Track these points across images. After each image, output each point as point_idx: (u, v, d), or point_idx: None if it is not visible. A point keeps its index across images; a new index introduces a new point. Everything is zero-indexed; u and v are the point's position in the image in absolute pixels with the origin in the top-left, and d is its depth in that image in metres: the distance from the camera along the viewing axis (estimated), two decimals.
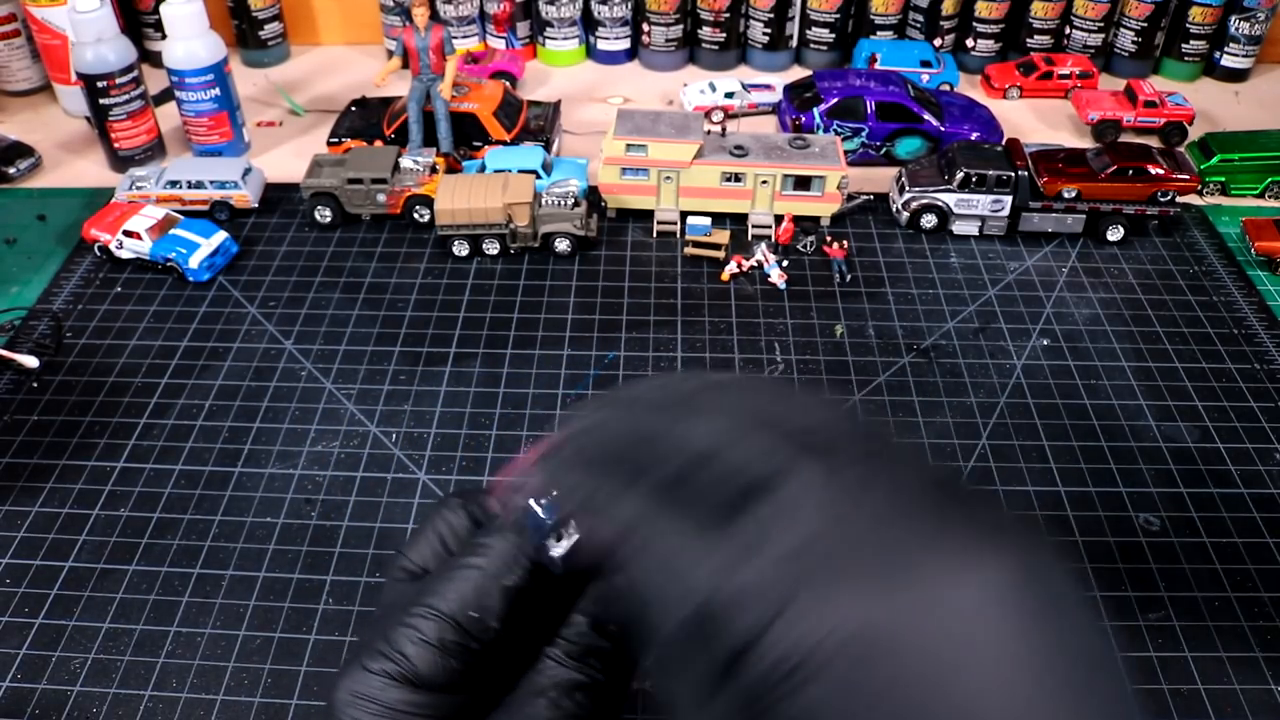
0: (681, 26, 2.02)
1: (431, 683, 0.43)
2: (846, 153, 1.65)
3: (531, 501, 0.44)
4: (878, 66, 1.90)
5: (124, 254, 1.48)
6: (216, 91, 1.67)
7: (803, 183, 1.54)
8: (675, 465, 0.38)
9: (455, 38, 1.98)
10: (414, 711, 0.42)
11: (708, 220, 1.55)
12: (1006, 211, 1.54)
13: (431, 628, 0.43)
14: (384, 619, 0.44)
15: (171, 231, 1.48)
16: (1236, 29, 1.98)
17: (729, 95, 1.88)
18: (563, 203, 1.49)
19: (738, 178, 1.55)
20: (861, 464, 0.35)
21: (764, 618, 0.32)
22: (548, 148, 1.68)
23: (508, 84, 1.79)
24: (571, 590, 0.46)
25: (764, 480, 0.35)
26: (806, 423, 0.38)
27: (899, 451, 0.38)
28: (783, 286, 1.46)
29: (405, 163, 1.57)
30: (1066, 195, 1.53)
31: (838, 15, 1.99)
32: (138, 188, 1.59)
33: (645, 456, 0.39)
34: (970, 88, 1.98)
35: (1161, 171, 1.52)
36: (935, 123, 1.72)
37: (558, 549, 0.44)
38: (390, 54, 2.03)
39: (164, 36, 1.67)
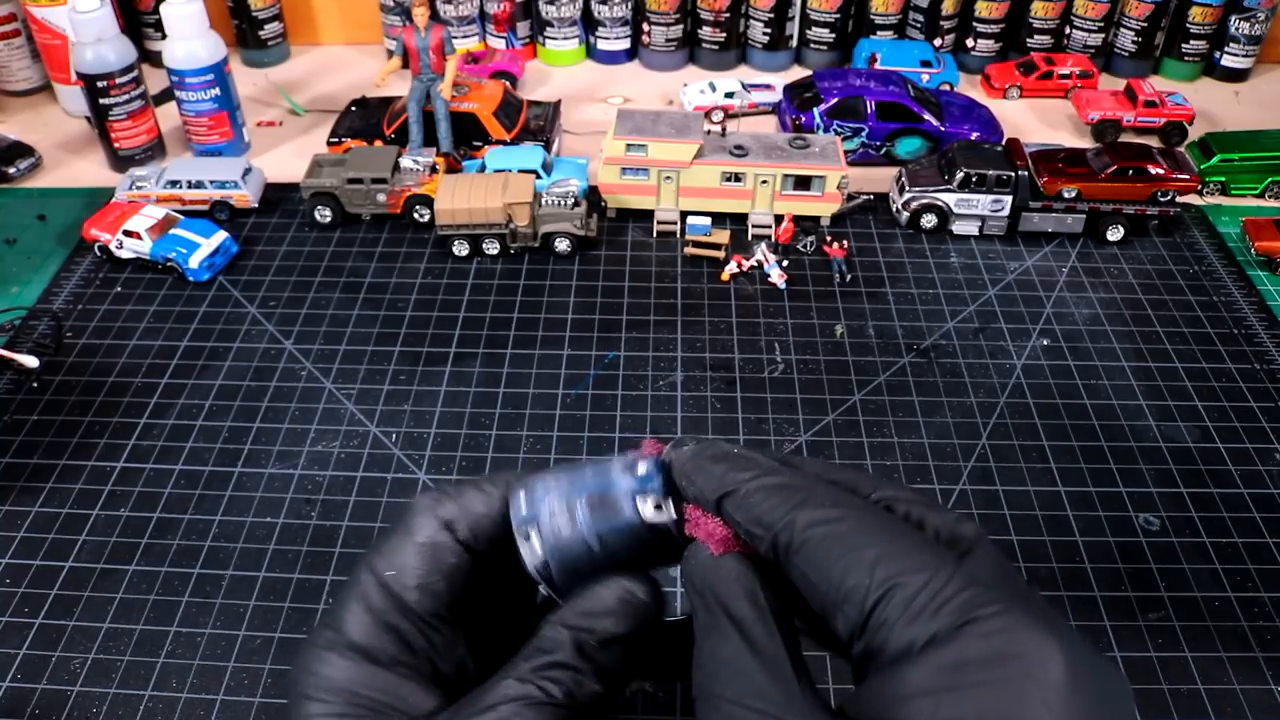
0: (681, 26, 2.02)
1: (372, 652, 0.43)
2: (846, 153, 1.65)
3: (647, 460, 0.45)
4: (878, 66, 1.90)
5: (124, 254, 1.48)
6: (216, 91, 1.67)
7: (803, 183, 1.54)
8: (875, 500, 0.43)
9: (455, 38, 1.98)
10: (362, 689, 0.42)
11: (708, 220, 1.55)
12: (1006, 211, 1.54)
13: (359, 591, 0.44)
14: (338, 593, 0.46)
15: (171, 231, 1.48)
16: (1236, 29, 1.98)
17: (729, 95, 1.88)
18: (563, 203, 1.49)
19: (738, 178, 1.55)
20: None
21: (946, 624, 0.35)
22: (548, 148, 1.68)
23: (508, 84, 1.79)
24: (529, 589, 0.46)
25: (963, 537, 0.41)
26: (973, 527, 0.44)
27: None
28: (783, 286, 1.46)
29: (405, 163, 1.57)
30: (1066, 195, 1.53)
31: (838, 15, 1.99)
32: (138, 188, 1.59)
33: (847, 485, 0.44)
34: (970, 88, 1.98)
35: (1161, 171, 1.52)
36: (935, 123, 1.72)
37: (650, 514, 0.44)
38: (390, 54, 2.03)
39: (164, 36, 1.67)
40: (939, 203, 1.55)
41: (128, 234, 1.46)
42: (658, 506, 0.45)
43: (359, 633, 0.43)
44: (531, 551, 0.45)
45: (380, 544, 0.46)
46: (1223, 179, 1.68)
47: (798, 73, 2.03)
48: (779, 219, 1.56)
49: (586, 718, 0.43)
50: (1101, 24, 1.99)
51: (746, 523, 0.40)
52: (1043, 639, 0.34)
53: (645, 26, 2.03)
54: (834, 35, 2.02)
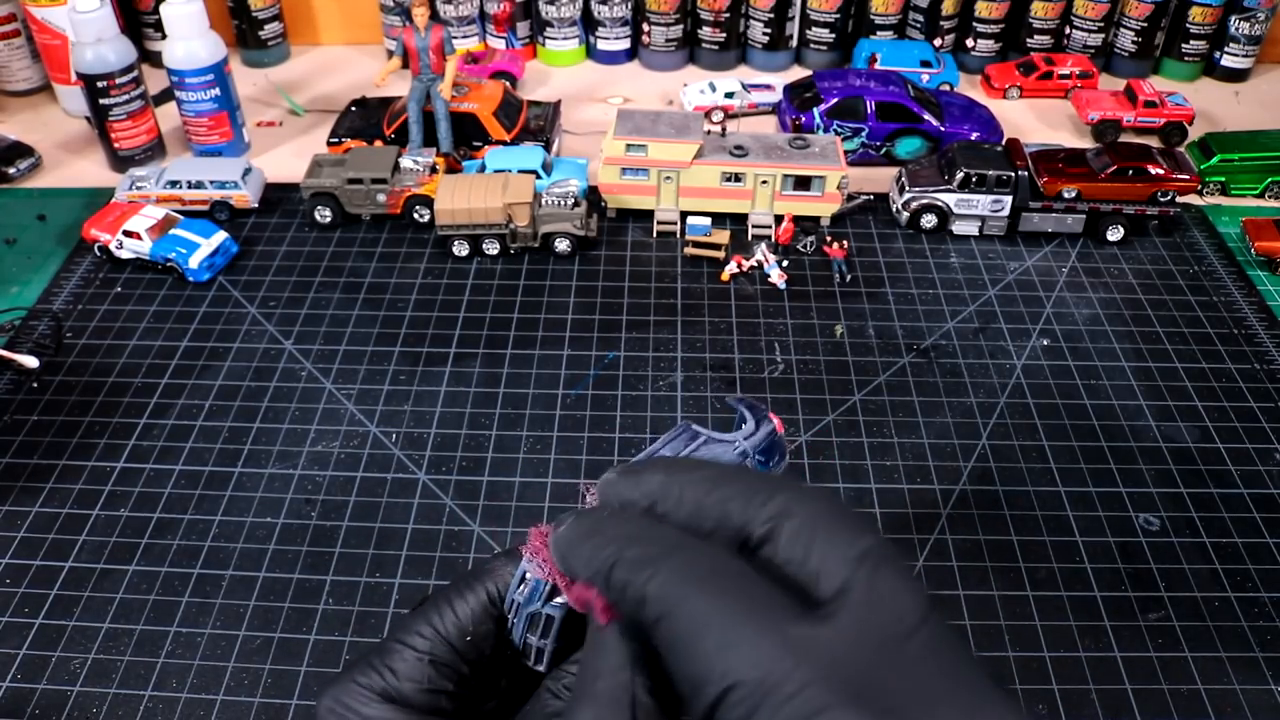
0: (681, 26, 2.02)
1: (416, 702, 0.42)
2: (846, 153, 1.65)
3: (526, 564, 0.43)
4: (878, 66, 1.90)
5: (124, 254, 1.48)
6: (216, 91, 1.67)
7: (803, 183, 1.54)
8: (726, 541, 0.37)
9: (455, 38, 1.98)
10: None
11: (708, 220, 1.55)
12: (1006, 211, 1.54)
13: (425, 646, 0.43)
14: (386, 636, 0.44)
15: (171, 231, 1.48)
16: (1236, 29, 1.98)
17: (729, 95, 1.88)
18: (563, 203, 1.49)
19: (738, 178, 1.55)
20: (909, 597, 0.35)
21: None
22: (548, 148, 1.68)
23: (508, 84, 1.79)
24: (574, 630, 0.46)
25: (822, 587, 0.35)
26: (871, 541, 0.36)
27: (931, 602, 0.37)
28: (783, 286, 1.46)
29: (405, 163, 1.57)
30: (1066, 195, 1.53)
31: (838, 15, 1.99)
32: (138, 188, 1.59)
33: (697, 526, 0.38)
34: (970, 88, 1.98)
35: (1161, 171, 1.52)
36: (935, 123, 1.72)
37: (532, 658, 0.43)
38: (390, 54, 2.03)
39: (164, 36, 1.67)
40: (939, 203, 1.55)
41: (128, 234, 1.46)
42: (540, 648, 0.43)
43: (408, 682, 0.43)
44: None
45: (447, 607, 0.45)
46: (1223, 179, 1.68)
47: (798, 73, 2.03)
48: (779, 219, 1.56)
49: None
50: (1101, 24, 1.99)
51: (615, 601, 0.38)
52: None
53: (645, 26, 2.03)
54: (834, 35, 2.02)
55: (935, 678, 0.33)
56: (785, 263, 1.49)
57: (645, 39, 2.04)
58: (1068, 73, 1.94)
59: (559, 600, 0.43)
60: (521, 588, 0.44)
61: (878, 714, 0.31)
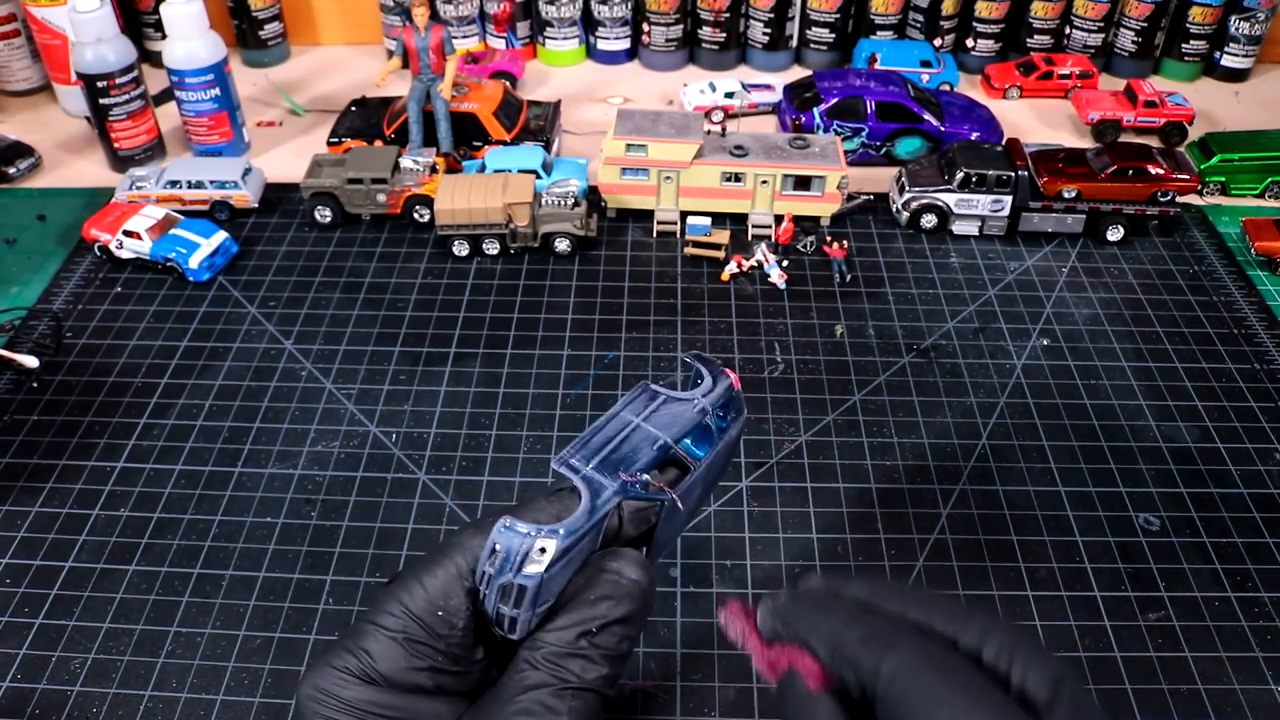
0: (681, 26, 2.02)
1: (395, 681, 0.43)
2: (846, 153, 1.65)
3: (499, 535, 0.44)
4: (878, 66, 1.90)
5: (124, 254, 1.48)
6: (216, 91, 1.67)
7: (803, 183, 1.54)
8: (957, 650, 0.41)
9: (455, 38, 1.98)
10: (377, 711, 0.42)
11: (708, 220, 1.55)
12: (1006, 211, 1.54)
13: (397, 624, 0.43)
14: (358, 618, 0.45)
15: (171, 231, 1.48)
16: (1236, 29, 1.98)
17: (729, 95, 1.88)
18: (563, 203, 1.49)
19: (738, 178, 1.55)
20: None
21: None
22: (548, 148, 1.68)
23: (508, 84, 1.79)
24: (545, 599, 0.46)
25: (1031, 697, 0.39)
26: (1061, 667, 0.41)
27: None
28: (783, 286, 1.46)
29: (405, 163, 1.57)
30: (1066, 195, 1.53)
31: (838, 15, 2.00)
32: (138, 188, 1.59)
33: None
34: (970, 88, 1.98)
35: (1161, 171, 1.52)
36: (935, 123, 1.72)
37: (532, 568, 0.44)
38: (390, 54, 2.03)
39: (164, 36, 1.67)
40: (939, 203, 1.55)
41: (128, 234, 1.46)
42: (513, 617, 0.45)
43: (384, 662, 0.43)
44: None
45: (416, 583, 0.46)
46: (1223, 179, 1.68)
47: (798, 73, 2.03)
48: (779, 219, 1.56)
49: (597, 698, 0.44)
50: (1101, 24, 1.99)
51: (839, 669, 0.42)
52: None
53: (645, 26, 2.03)
54: (834, 35, 2.02)
55: None
56: (785, 263, 1.49)
57: (645, 39, 2.04)
58: (1068, 73, 1.95)
59: (530, 570, 0.43)
60: (492, 559, 0.44)
61: None
